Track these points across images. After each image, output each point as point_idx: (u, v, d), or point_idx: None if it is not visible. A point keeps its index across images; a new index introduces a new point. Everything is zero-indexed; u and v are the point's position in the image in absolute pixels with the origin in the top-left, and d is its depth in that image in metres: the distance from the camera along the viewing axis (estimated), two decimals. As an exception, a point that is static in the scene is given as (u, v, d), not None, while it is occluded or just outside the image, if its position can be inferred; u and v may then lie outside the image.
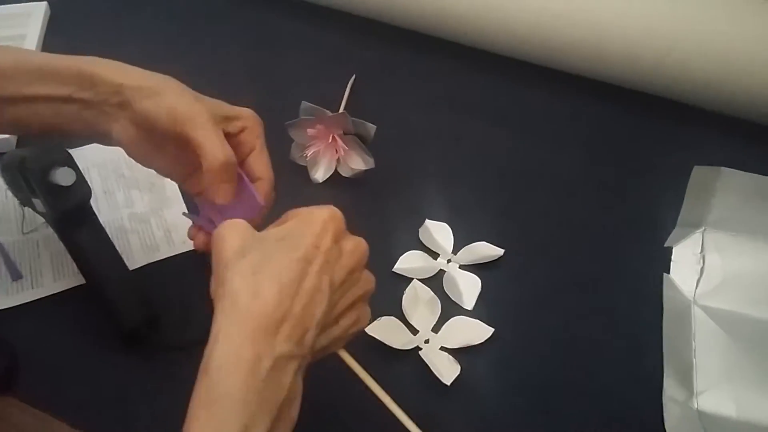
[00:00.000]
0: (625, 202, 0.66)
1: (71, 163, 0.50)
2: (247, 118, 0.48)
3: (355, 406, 0.45)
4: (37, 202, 0.51)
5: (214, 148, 0.44)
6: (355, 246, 0.42)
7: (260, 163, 0.49)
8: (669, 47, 0.69)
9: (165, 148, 0.47)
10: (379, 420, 0.43)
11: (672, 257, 0.61)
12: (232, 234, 0.40)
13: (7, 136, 0.66)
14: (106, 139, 0.48)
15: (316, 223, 0.40)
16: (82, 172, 0.51)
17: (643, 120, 0.74)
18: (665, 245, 0.62)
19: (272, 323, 0.36)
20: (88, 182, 0.52)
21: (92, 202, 0.53)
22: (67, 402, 0.51)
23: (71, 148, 0.56)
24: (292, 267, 0.38)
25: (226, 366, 0.35)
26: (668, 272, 0.60)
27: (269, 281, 0.37)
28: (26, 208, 0.58)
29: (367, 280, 0.43)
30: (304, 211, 0.42)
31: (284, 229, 0.41)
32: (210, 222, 0.49)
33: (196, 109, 0.45)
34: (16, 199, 0.59)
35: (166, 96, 0.44)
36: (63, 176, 0.48)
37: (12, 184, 0.56)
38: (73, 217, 0.51)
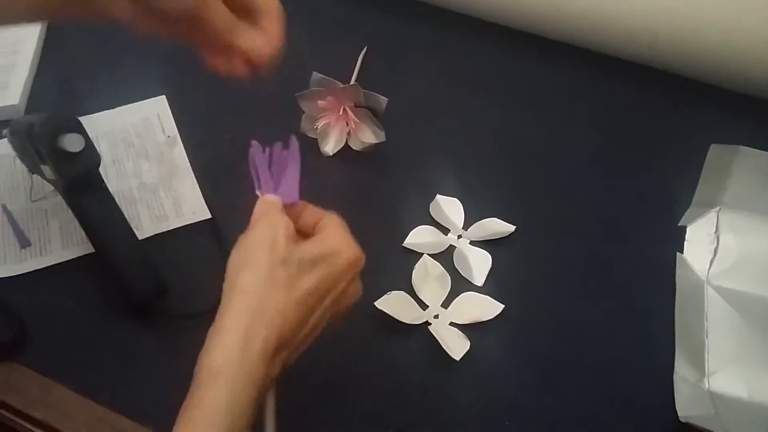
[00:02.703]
0: (640, 181, 0.65)
1: (80, 130, 0.49)
2: None
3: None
4: (45, 168, 0.50)
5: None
6: (356, 291, 0.43)
7: None
8: (686, 23, 0.67)
9: (176, 23, 0.44)
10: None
11: (686, 236, 0.60)
12: (272, 229, 0.40)
13: (15, 102, 0.66)
14: (105, 18, 0.44)
15: (343, 262, 0.41)
16: (91, 140, 0.51)
17: (660, 98, 0.72)
18: (679, 224, 0.61)
19: (272, 351, 0.37)
20: (97, 150, 0.51)
21: (101, 170, 0.53)
22: (74, 369, 0.51)
23: (80, 115, 0.55)
24: (306, 302, 0.39)
25: (225, 379, 0.36)
26: (682, 251, 0.60)
27: (285, 310, 0.38)
28: (35, 176, 0.57)
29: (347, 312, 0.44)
30: (337, 239, 0.42)
31: (314, 252, 0.40)
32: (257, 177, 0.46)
33: None
34: (24, 166, 0.58)
35: None
36: (71, 142, 0.47)
37: (20, 151, 0.55)
38: (81, 184, 0.50)
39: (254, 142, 0.44)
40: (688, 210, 0.62)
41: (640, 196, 0.64)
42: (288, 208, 0.44)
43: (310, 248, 0.41)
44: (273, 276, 0.38)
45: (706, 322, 0.55)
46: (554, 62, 0.75)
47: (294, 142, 0.45)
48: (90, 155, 0.49)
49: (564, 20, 0.73)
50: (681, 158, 0.66)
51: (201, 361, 0.37)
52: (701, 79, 0.71)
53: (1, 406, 0.51)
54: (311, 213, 0.45)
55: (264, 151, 0.44)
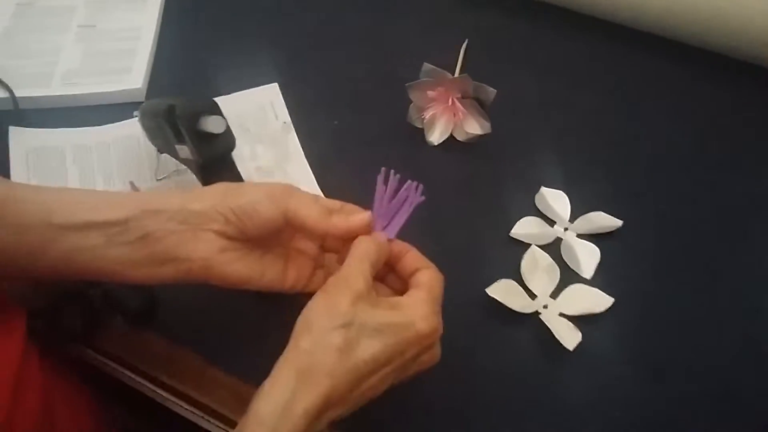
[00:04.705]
0: (753, 177, 0.65)
1: (219, 113, 0.51)
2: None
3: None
4: (181, 148, 0.53)
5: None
6: (431, 359, 0.44)
7: None
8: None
9: (256, 247, 0.47)
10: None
11: (798, 238, 0.60)
12: (331, 297, 0.41)
13: (138, 86, 0.69)
14: (179, 265, 0.44)
15: (412, 334, 0.41)
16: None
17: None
18: (791, 225, 0.61)
19: (316, 412, 0.38)
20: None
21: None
22: (199, 338, 0.54)
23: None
24: (362, 367, 0.40)
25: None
26: (793, 253, 0.59)
27: (348, 369, 0.39)
28: (162, 155, 0.60)
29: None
30: (414, 309, 0.42)
31: (381, 320, 0.41)
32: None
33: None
34: (151, 146, 0.61)
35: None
36: (214, 124, 0.50)
37: (151, 131, 0.58)
38: (218, 164, 0.53)
39: (383, 170, 0.46)
40: (800, 211, 0.61)
41: (754, 192, 0.64)
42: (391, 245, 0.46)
43: (378, 315, 0.41)
44: (327, 339, 0.39)
45: (819, 325, 0.55)
46: (659, 56, 0.75)
47: (415, 190, 0.47)
48: (229, 137, 0.52)
49: (667, 15, 0.73)
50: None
51: (252, 404, 0.39)
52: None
53: (132, 370, 0.54)
54: (413, 260, 0.46)
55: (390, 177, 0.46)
